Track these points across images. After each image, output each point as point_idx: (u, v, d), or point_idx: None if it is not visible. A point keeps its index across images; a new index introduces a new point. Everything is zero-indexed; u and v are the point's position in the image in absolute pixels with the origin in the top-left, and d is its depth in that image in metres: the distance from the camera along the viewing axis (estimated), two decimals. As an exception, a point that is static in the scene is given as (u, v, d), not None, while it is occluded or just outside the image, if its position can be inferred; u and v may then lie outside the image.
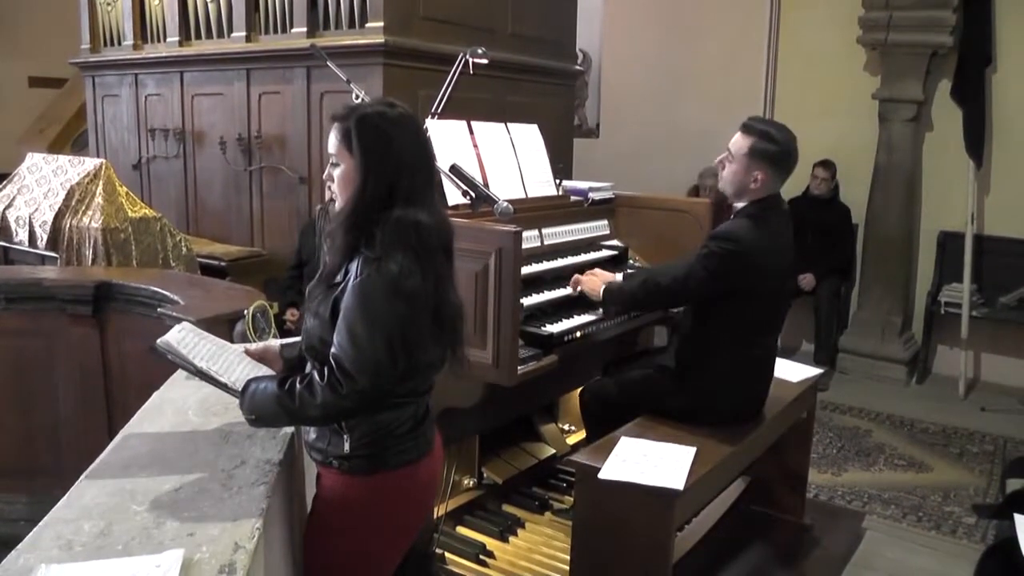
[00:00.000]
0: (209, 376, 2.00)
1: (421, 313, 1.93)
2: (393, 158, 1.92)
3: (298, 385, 1.88)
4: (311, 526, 2.13)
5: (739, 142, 2.98)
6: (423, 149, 2.02)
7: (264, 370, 2.12)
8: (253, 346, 2.29)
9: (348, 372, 1.83)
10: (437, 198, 2.08)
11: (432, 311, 1.96)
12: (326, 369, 1.86)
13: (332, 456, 2.01)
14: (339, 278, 1.93)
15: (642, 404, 3.13)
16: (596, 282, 3.25)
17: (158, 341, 2.04)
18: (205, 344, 2.09)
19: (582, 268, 3.48)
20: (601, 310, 3.32)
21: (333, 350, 1.87)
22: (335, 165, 1.99)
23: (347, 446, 1.98)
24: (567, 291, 3.32)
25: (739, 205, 3.04)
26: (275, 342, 2.34)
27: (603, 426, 3.07)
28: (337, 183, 1.98)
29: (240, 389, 1.96)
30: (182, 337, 2.07)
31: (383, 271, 1.85)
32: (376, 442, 1.99)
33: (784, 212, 3.12)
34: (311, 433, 2.07)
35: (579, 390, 3.53)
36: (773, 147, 2.94)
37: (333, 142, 1.98)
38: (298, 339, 2.18)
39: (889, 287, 6.51)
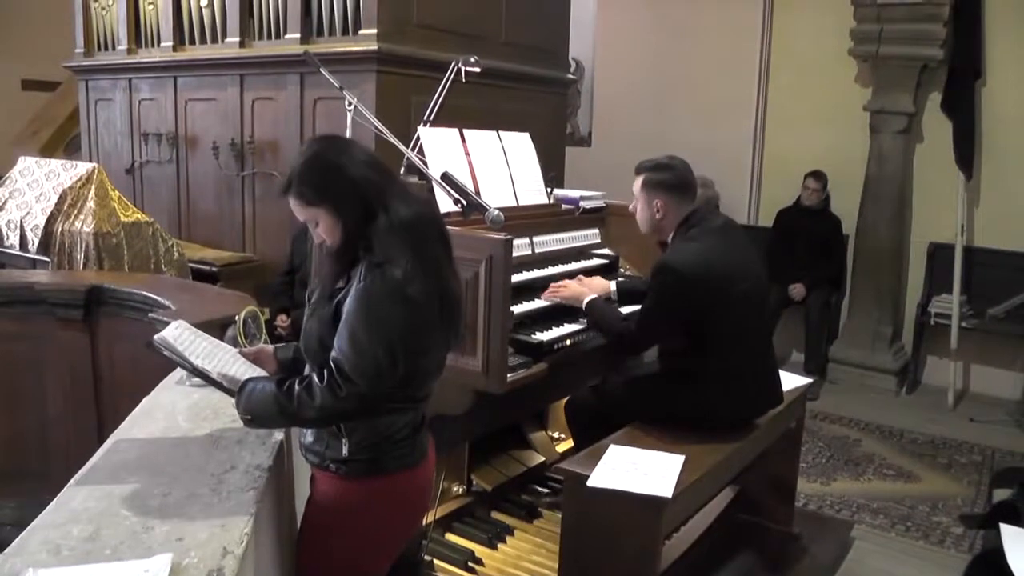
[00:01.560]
0: (205, 374, 2.01)
1: (424, 318, 1.94)
2: (347, 179, 1.95)
3: (297, 386, 1.89)
4: (305, 529, 2.14)
5: (635, 183, 3.16)
6: (360, 152, 2.03)
7: (258, 370, 2.13)
8: (248, 348, 2.30)
9: (348, 376, 1.85)
10: (402, 183, 2.11)
11: (437, 311, 1.99)
12: (326, 372, 1.88)
13: (330, 460, 2.02)
14: (341, 283, 1.95)
15: (627, 414, 3.13)
16: (582, 291, 3.29)
17: (155, 337, 2.06)
18: (201, 342, 2.10)
19: (573, 276, 3.50)
20: (583, 320, 3.33)
21: (334, 354, 1.89)
22: (315, 225, 2.00)
23: (346, 450, 1.99)
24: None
25: (669, 239, 3.14)
26: (269, 345, 2.35)
27: (590, 435, 3.07)
28: (328, 236, 1.99)
29: (236, 388, 1.97)
30: (179, 334, 2.08)
31: (387, 277, 1.87)
32: (375, 447, 2.00)
33: (721, 225, 3.15)
34: (308, 436, 2.08)
35: (564, 401, 3.54)
36: (663, 175, 3.09)
37: (298, 210, 2.00)
38: (292, 343, 2.19)
39: (879, 297, 6.54)
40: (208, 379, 2.01)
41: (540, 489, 3.77)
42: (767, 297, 3.34)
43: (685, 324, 3.00)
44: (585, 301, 3.25)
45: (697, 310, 2.95)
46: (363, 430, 1.98)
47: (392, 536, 2.14)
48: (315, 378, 1.88)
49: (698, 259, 2.96)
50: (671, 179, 3.08)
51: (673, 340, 3.12)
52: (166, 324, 3.17)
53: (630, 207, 3.23)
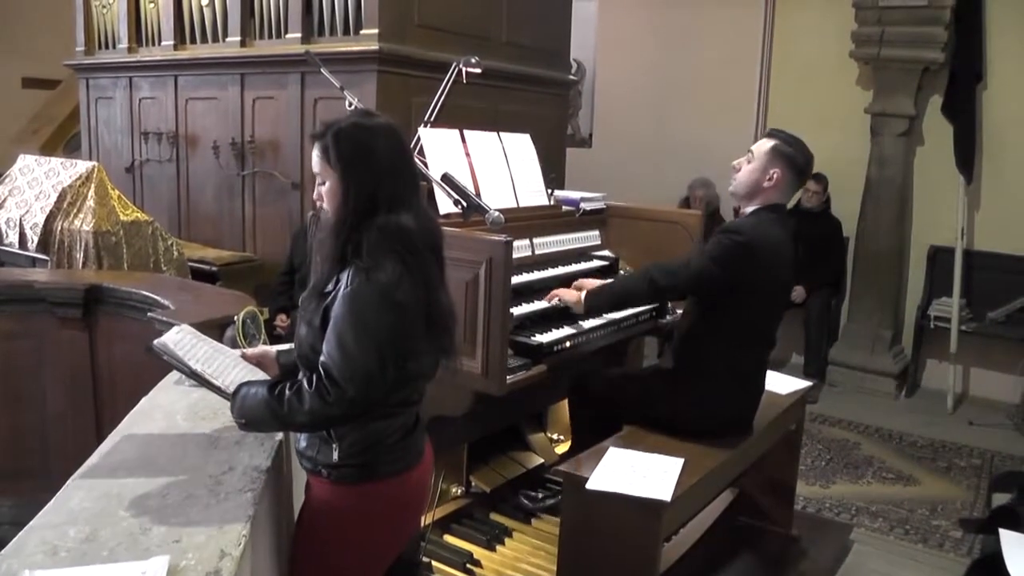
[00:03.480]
0: (203, 378, 2.00)
1: (412, 323, 1.94)
2: (373, 166, 1.94)
3: (287, 391, 1.88)
4: (299, 534, 2.13)
5: (763, 143, 3.09)
6: (403, 154, 2.03)
7: (259, 375, 2.12)
8: (250, 350, 2.29)
9: (336, 381, 1.84)
10: (423, 201, 2.09)
11: (424, 317, 1.97)
12: (315, 377, 1.87)
13: (321, 465, 2.01)
14: (330, 287, 1.94)
15: (632, 404, 3.13)
16: (575, 292, 3.24)
17: (155, 342, 2.05)
18: (202, 347, 2.09)
19: (573, 278, 3.49)
20: (586, 317, 3.29)
21: (322, 358, 1.88)
22: (321, 183, 2.00)
23: (336, 455, 1.98)
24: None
25: (747, 211, 3.10)
26: (272, 348, 2.35)
27: (589, 419, 3.06)
28: (326, 199, 1.99)
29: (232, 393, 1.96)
30: (179, 339, 2.07)
31: (373, 280, 1.86)
32: (366, 451, 1.99)
33: (788, 226, 3.14)
34: (301, 441, 2.08)
35: (569, 389, 3.53)
36: (795, 152, 3.04)
37: (315, 160, 2.00)
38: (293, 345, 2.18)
39: (879, 300, 6.54)
40: (207, 384, 2.00)
41: (532, 494, 3.75)
42: (781, 312, 3.33)
43: (722, 289, 2.96)
44: (582, 296, 3.18)
45: (741, 281, 2.92)
46: (353, 435, 1.97)
47: (387, 540, 2.13)
48: (305, 383, 1.88)
49: (766, 239, 2.95)
50: (799, 160, 3.04)
51: (704, 295, 3.07)
52: (165, 323, 3.18)
53: (736, 162, 3.14)
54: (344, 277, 1.90)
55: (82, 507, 1.70)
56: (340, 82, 3.57)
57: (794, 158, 3.02)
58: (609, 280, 3.32)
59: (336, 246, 1.94)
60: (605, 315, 3.39)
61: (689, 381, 3.06)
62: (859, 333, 6.59)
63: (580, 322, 3.32)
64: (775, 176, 3.01)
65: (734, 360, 3.02)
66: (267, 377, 2.12)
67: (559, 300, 3.27)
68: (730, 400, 3.06)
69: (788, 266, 3.09)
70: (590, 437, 3.05)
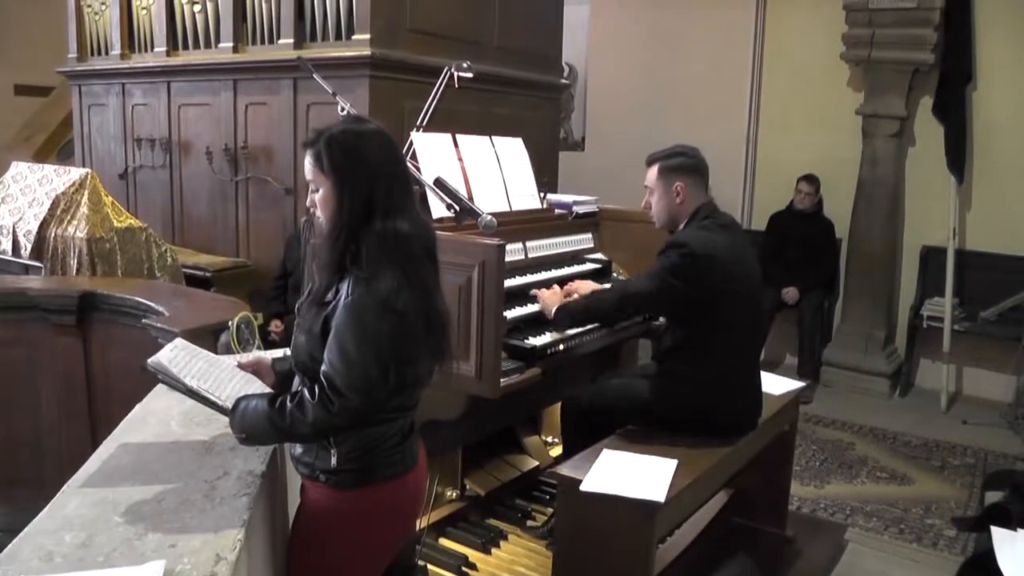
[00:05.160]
0: (200, 395, 1.99)
1: (412, 330, 1.94)
2: (365, 171, 1.95)
3: (288, 403, 1.88)
4: (295, 538, 2.13)
5: (650, 172, 3.14)
6: (394, 159, 2.03)
7: (256, 384, 2.11)
8: (245, 358, 2.29)
9: (339, 390, 1.84)
10: (417, 206, 2.10)
11: (424, 324, 1.98)
12: (316, 387, 1.87)
13: (319, 470, 2.02)
14: (330, 296, 1.94)
15: (622, 412, 3.14)
16: (553, 299, 3.25)
17: (149, 361, 2.03)
18: (196, 362, 2.07)
19: (566, 280, 3.50)
20: (553, 328, 3.27)
21: (324, 368, 1.88)
22: (315, 190, 2.01)
23: (334, 460, 1.98)
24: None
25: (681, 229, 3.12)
26: (267, 355, 2.35)
27: (581, 437, 3.07)
28: (319, 207, 2.00)
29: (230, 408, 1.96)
30: (174, 356, 2.05)
31: (374, 290, 1.86)
32: (363, 456, 2.00)
33: (729, 222, 3.15)
34: (298, 447, 2.07)
35: (561, 403, 3.54)
36: (678, 159, 3.09)
37: (308, 168, 2.00)
38: (288, 352, 2.18)
39: (872, 301, 6.56)
40: (204, 401, 1.99)
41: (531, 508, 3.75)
42: (763, 308, 3.33)
43: (686, 302, 2.97)
44: (552, 310, 3.19)
45: (702, 291, 2.93)
46: (352, 440, 1.97)
47: (383, 544, 2.13)
48: (306, 394, 1.88)
49: (710, 245, 2.95)
50: (687, 162, 3.08)
51: (669, 312, 3.09)
52: (159, 330, 3.18)
53: (643, 204, 3.18)
54: (344, 287, 1.91)
55: (77, 513, 1.71)
56: (332, 87, 3.58)
57: (682, 164, 3.08)
58: (587, 294, 3.31)
59: (333, 254, 1.94)
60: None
61: (674, 388, 3.05)
62: (852, 333, 6.60)
63: (549, 330, 3.31)
64: (679, 189, 3.06)
65: (715, 369, 3.01)
66: (263, 387, 2.12)
67: (539, 301, 3.28)
68: (722, 407, 3.04)
69: (747, 259, 3.10)
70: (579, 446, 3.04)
